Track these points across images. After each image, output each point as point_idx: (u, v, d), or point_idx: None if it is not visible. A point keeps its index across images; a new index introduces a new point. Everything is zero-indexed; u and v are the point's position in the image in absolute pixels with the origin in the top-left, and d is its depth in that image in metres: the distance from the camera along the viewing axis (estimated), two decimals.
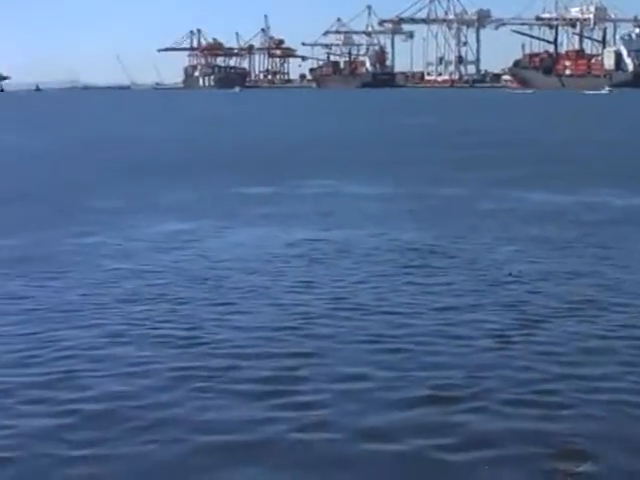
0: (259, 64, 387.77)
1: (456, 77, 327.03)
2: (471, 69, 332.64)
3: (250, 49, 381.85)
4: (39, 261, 20.69)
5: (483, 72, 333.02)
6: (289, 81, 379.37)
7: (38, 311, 16.13)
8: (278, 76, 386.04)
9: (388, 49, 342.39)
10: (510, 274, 18.52)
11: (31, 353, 13.62)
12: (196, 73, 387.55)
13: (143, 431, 10.60)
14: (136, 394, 11.77)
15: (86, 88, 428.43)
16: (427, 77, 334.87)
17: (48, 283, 18.38)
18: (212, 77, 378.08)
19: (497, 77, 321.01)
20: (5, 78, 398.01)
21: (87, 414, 11.14)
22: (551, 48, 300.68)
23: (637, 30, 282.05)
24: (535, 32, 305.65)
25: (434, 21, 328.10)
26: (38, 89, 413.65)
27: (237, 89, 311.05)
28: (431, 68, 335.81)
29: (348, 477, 9.51)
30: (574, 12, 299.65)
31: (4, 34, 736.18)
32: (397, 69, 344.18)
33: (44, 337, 14.45)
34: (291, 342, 14.02)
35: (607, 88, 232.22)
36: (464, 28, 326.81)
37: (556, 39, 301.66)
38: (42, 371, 12.81)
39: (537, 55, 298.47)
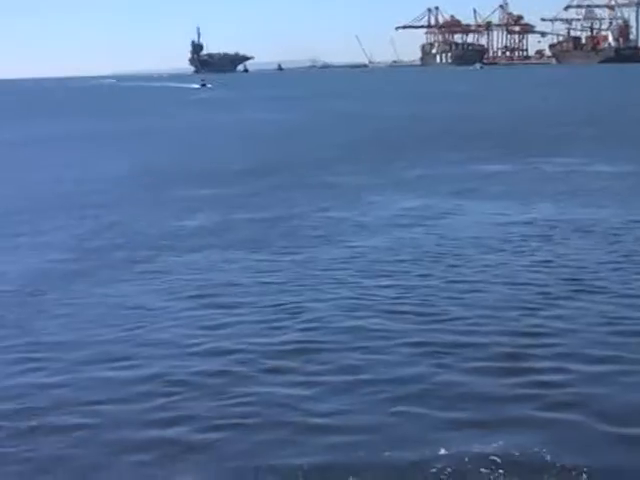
0: (497, 41, 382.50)
1: None
2: None
3: (488, 26, 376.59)
4: (281, 236, 21.37)
5: None
6: (527, 58, 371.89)
7: (279, 284, 16.65)
8: (516, 53, 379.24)
9: (632, 23, 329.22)
10: None
11: (274, 325, 14.09)
12: (433, 50, 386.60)
13: (385, 404, 10.74)
14: (375, 367, 11.94)
15: (325, 67, 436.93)
16: None
17: (287, 257, 18.94)
18: (449, 54, 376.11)
19: None
20: (249, 58, 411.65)
21: (327, 386, 11.42)
22: None
23: None
24: None
25: None
26: (280, 68, 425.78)
27: (478, 66, 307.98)
28: None
29: (594, 461, 9.26)
30: None
31: (247, 16, 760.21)
32: None
33: (286, 308, 14.93)
34: (528, 322, 13.79)
35: None
36: None
37: None
38: (284, 340, 13.25)
39: None
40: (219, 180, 32.18)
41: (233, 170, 35.21)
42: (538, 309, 14.49)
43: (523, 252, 18.81)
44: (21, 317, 15.04)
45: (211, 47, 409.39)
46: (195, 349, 12.99)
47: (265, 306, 15.15)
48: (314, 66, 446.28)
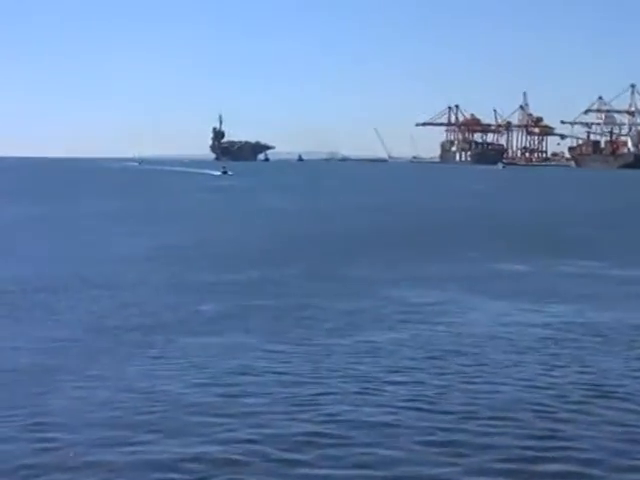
0: (516, 141, 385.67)
1: None
2: None
3: (508, 126, 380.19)
4: (295, 325, 21.30)
5: None
6: (547, 159, 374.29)
7: (292, 375, 16.55)
8: (536, 154, 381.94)
9: None
10: None
11: (286, 416, 13.95)
12: (453, 148, 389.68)
13: None
14: (390, 464, 11.76)
15: (344, 160, 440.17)
16: None
17: (301, 348, 18.84)
18: (469, 153, 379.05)
19: None
20: (270, 148, 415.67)
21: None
22: None
23: None
24: None
25: None
26: (300, 159, 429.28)
27: (500, 165, 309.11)
28: None
29: None
30: None
31: (270, 105, 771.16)
32: None
33: (299, 400, 14.81)
34: (545, 425, 13.56)
35: None
36: None
37: None
38: (297, 431, 13.08)
39: None
40: (236, 266, 32.23)
41: (250, 257, 35.31)
42: (554, 412, 14.28)
43: (539, 354, 18.60)
44: (31, 395, 14.92)
45: (232, 133, 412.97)
46: (207, 438, 12.83)
47: (277, 397, 15.00)
48: (333, 158, 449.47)
